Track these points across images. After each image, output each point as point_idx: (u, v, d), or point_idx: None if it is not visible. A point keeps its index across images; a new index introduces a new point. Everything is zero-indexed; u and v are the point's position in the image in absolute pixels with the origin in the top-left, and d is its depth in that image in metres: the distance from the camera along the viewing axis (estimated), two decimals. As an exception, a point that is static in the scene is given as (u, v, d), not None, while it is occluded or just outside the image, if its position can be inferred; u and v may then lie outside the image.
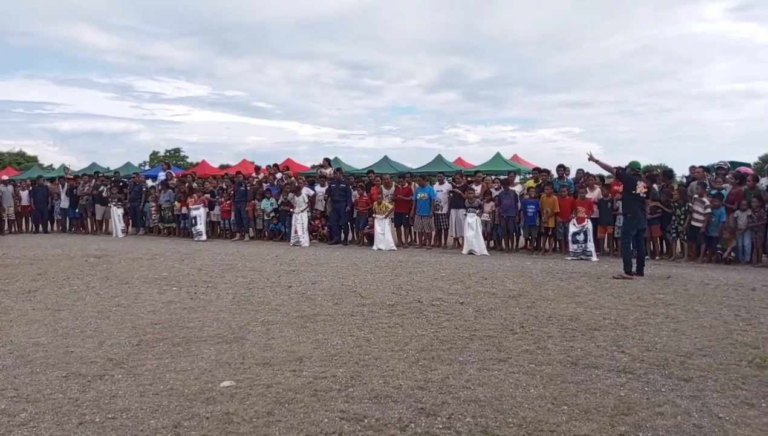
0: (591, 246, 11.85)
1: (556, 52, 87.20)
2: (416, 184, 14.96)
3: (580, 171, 14.13)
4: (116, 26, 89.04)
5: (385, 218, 13.67)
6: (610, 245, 12.75)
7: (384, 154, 31.28)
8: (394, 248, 13.76)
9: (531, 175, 15.64)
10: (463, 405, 3.98)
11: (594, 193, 12.69)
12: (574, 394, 4.19)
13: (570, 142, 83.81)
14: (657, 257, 11.99)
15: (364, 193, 14.88)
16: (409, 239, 14.87)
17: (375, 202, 13.69)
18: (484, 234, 13.55)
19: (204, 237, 16.04)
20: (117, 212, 17.56)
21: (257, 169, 20.57)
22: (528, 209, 12.87)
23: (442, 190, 14.37)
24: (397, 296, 7.92)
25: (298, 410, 3.94)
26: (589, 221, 12.00)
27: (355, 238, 15.39)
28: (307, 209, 15.09)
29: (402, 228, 14.91)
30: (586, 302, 7.48)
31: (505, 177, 14.73)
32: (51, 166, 48.61)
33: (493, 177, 16.28)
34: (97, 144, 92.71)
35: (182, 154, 62.85)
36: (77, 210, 18.69)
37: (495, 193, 13.68)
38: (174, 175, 19.08)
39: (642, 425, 3.65)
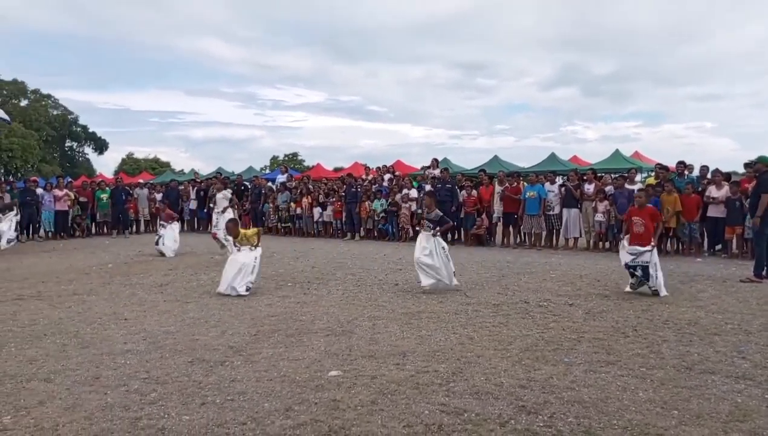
0: (653, 283, 7.67)
1: (683, 42, 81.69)
2: (525, 183, 14.69)
3: (704, 168, 13.24)
4: (241, 38, 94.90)
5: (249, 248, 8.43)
6: (739, 247, 11.81)
7: (496, 153, 30.88)
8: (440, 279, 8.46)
9: (653, 173, 14.84)
10: (566, 405, 3.92)
11: (721, 192, 11.82)
12: (686, 399, 3.99)
13: (700, 137, 78.08)
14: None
15: (473, 193, 14.82)
16: (518, 240, 14.62)
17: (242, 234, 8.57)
18: (598, 234, 13.04)
19: (171, 254, 13.00)
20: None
21: (367, 170, 21.08)
22: (646, 208, 12.19)
23: (553, 189, 14.00)
24: (502, 296, 7.87)
25: (400, 400, 4.08)
26: (651, 249, 7.74)
27: (462, 238, 15.35)
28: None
29: (510, 228, 14.69)
30: (708, 306, 7.02)
31: (616, 176, 14.09)
32: (182, 170, 52.58)
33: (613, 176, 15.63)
34: (224, 150, 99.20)
35: (299, 158, 65.61)
36: (205, 211, 20.13)
37: (610, 191, 13.13)
38: (293, 177, 20.11)
39: (758, 433, 3.43)
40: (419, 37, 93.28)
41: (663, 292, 7.65)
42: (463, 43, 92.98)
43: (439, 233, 8.51)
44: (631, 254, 7.80)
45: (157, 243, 13.37)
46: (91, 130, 63.17)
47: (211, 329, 6.26)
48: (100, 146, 64.36)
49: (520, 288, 8.46)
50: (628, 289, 7.99)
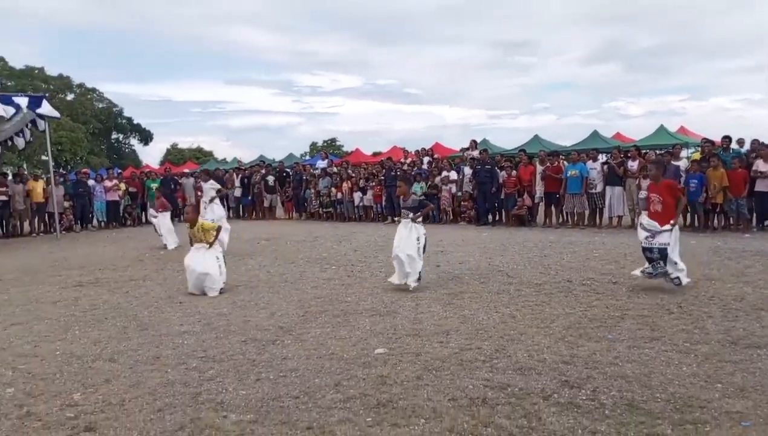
0: (674, 267, 6.62)
1: (729, 13, 78.34)
2: (565, 162, 14.54)
3: (755, 141, 12.86)
4: (276, 26, 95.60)
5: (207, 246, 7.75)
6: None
7: (537, 133, 30.44)
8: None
9: (699, 148, 14.48)
10: (609, 380, 4.00)
11: (770, 165, 11.49)
12: (730, 373, 4.01)
13: (749, 110, 75.08)
14: None
15: (513, 174, 14.76)
16: (560, 220, 14.51)
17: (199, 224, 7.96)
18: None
19: (172, 245, 12.50)
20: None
21: (406, 154, 21.14)
22: (691, 184, 11.95)
23: (595, 167, 13.82)
24: (545, 276, 7.90)
25: (445, 376, 4.22)
26: (671, 229, 6.65)
27: (503, 219, 15.33)
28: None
29: (552, 208, 14.59)
30: (756, 282, 6.92)
31: (661, 152, 13.80)
32: (224, 159, 53.53)
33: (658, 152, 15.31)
34: (264, 137, 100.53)
35: (338, 143, 65.95)
36: (249, 197, 20.60)
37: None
38: (333, 162, 20.37)
39: (805, 407, 3.44)
40: (455, 17, 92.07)
41: (685, 280, 6.62)
42: (500, 21, 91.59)
43: (419, 220, 7.39)
44: (647, 230, 6.67)
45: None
46: (136, 122, 64.76)
47: (261, 310, 6.52)
48: (145, 137, 65.98)
49: (563, 267, 8.47)
50: (637, 272, 6.84)
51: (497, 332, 5.31)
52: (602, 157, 15.20)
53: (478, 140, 20.94)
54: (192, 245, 7.91)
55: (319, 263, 9.67)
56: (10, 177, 18.23)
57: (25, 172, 20.35)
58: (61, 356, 5.11)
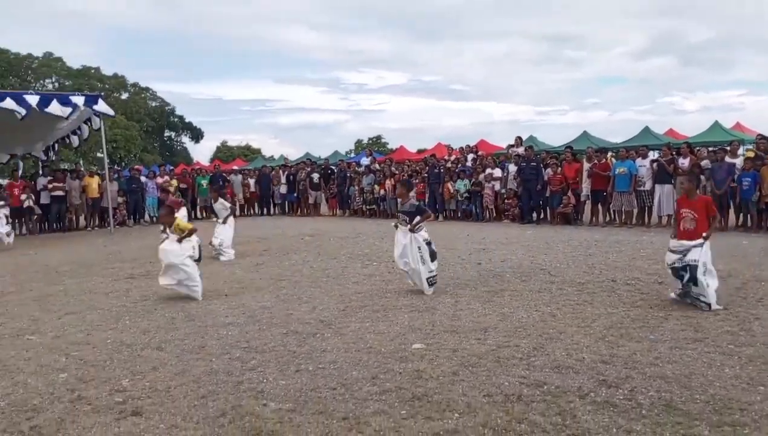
0: (701, 289, 5.77)
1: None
2: (613, 159, 14.24)
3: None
4: (324, 24, 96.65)
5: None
6: None
7: (586, 129, 29.86)
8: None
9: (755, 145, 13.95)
10: (648, 380, 3.94)
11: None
12: (775, 376, 3.90)
13: (812, 105, 71.64)
14: None
15: (558, 171, 14.54)
16: (607, 218, 14.22)
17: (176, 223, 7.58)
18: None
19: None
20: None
21: (450, 151, 21.09)
22: (744, 183, 11.53)
23: (644, 164, 13.48)
24: (588, 275, 7.79)
25: (481, 372, 4.23)
26: (701, 244, 5.88)
27: (548, 217, 15.12)
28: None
29: (599, 206, 14.31)
30: (811, 284, 6.66)
31: (714, 149, 13.35)
32: (272, 156, 54.45)
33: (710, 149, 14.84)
34: (311, 135, 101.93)
35: (383, 140, 66.17)
36: (295, 194, 20.93)
37: (706, 166, 12.50)
38: (376, 160, 20.50)
39: None
40: (502, 12, 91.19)
41: (715, 304, 5.73)
42: (548, 15, 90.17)
43: (418, 227, 6.93)
44: (676, 252, 5.97)
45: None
46: (187, 120, 66.69)
47: (303, 304, 6.66)
48: (196, 135, 67.80)
49: (608, 267, 8.32)
50: (672, 295, 6.17)
51: (536, 330, 5.29)
52: (653, 155, 14.81)
53: (525, 137, 20.77)
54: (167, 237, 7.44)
55: (361, 259, 9.78)
56: (68, 173, 19.01)
57: (82, 169, 21.20)
58: (111, 344, 5.35)
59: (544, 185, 14.70)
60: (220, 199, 11.55)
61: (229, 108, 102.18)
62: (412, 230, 6.88)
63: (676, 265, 5.95)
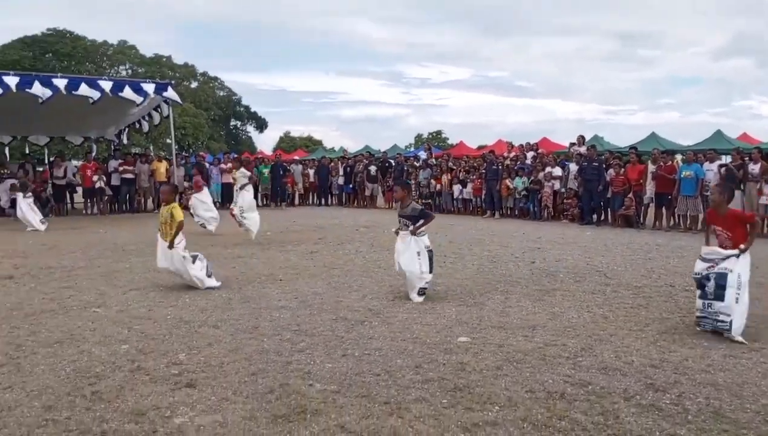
0: (726, 306, 4.88)
1: None
2: (679, 162, 13.74)
3: None
4: (389, 18, 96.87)
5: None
6: None
7: (657, 130, 28.76)
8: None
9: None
10: (698, 387, 3.84)
11: None
12: (835, 391, 3.73)
13: None
14: None
15: (621, 172, 14.15)
16: (672, 222, 13.74)
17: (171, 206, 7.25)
18: (763, 219, 11.90)
19: (211, 227, 12.60)
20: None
21: (509, 148, 20.81)
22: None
23: (712, 168, 12.96)
24: (646, 279, 7.59)
25: (525, 369, 4.23)
26: (739, 254, 5.04)
27: (609, 219, 14.75)
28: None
29: (663, 210, 13.84)
30: None
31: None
32: (333, 148, 55.19)
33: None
34: (371, 128, 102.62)
35: (443, 136, 65.88)
36: (351, 186, 21.18)
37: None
38: (434, 154, 20.49)
39: None
40: (573, 7, 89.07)
41: (737, 335, 4.81)
42: (621, 11, 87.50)
43: (420, 232, 6.48)
44: (707, 259, 5.17)
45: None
46: (252, 110, 68.32)
47: (353, 292, 6.79)
48: (261, 125, 69.38)
49: (667, 272, 8.08)
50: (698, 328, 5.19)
51: (586, 331, 5.22)
52: (723, 159, 14.21)
53: (590, 136, 20.23)
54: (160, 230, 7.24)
55: (414, 252, 9.82)
56: (138, 157, 19.87)
57: (151, 154, 22.13)
58: (171, 320, 5.62)
59: (605, 186, 14.34)
60: (242, 168, 11.86)
61: (293, 99, 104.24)
62: (413, 234, 6.41)
63: (702, 273, 5.13)
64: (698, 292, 5.18)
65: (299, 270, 8.24)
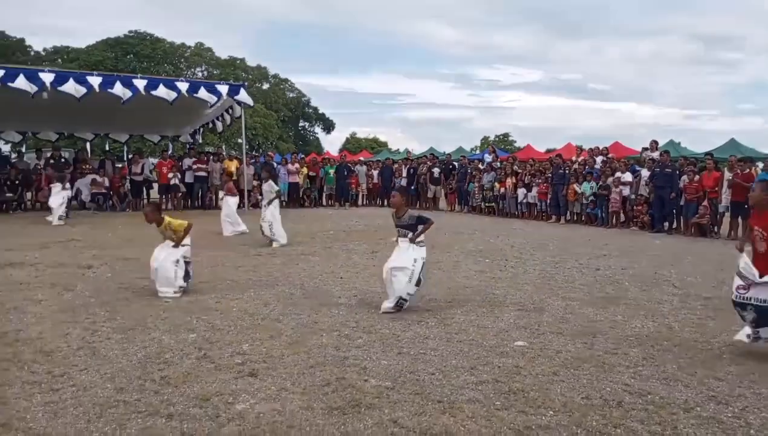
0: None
1: None
2: (759, 170, 13.05)
3: None
4: (460, 19, 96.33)
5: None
6: None
7: (737, 136, 27.37)
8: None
9: None
10: (762, 400, 3.70)
11: None
12: None
13: None
14: None
15: (695, 179, 13.58)
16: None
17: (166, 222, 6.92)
18: None
19: (227, 232, 12.29)
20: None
21: (578, 152, 20.37)
22: None
23: (795, 177, 12.24)
24: (717, 290, 7.28)
25: (582, 376, 4.18)
26: None
27: (681, 227, 14.17)
28: None
29: (740, 219, 13.17)
30: None
31: None
32: (397, 150, 55.47)
33: None
34: (437, 130, 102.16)
35: (510, 138, 64.91)
36: (414, 188, 21.24)
37: None
38: (499, 157, 20.30)
39: None
40: (652, 8, 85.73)
41: None
42: (703, 12, 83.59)
43: (420, 242, 6.13)
44: (743, 276, 4.59)
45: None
46: (321, 112, 69.49)
47: (411, 293, 6.85)
48: (328, 126, 70.48)
49: (740, 284, 7.72)
50: (742, 338, 4.70)
51: (649, 340, 5.09)
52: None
53: (666, 141, 19.50)
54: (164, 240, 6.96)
55: (474, 255, 9.81)
56: (211, 156, 20.67)
57: (223, 153, 22.95)
58: (236, 312, 5.87)
59: (678, 193, 13.79)
60: (270, 181, 11.48)
61: (361, 101, 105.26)
62: (413, 241, 6.05)
63: (737, 299, 4.60)
64: (740, 313, 4.68)
65: (360, 269, 8.39)
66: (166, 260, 6.63)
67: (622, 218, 15.31)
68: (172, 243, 6.81)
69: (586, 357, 4.59)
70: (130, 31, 55.77)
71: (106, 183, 18.35)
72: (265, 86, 63.15)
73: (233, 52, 72.93)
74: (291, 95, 66.29)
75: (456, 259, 9.42)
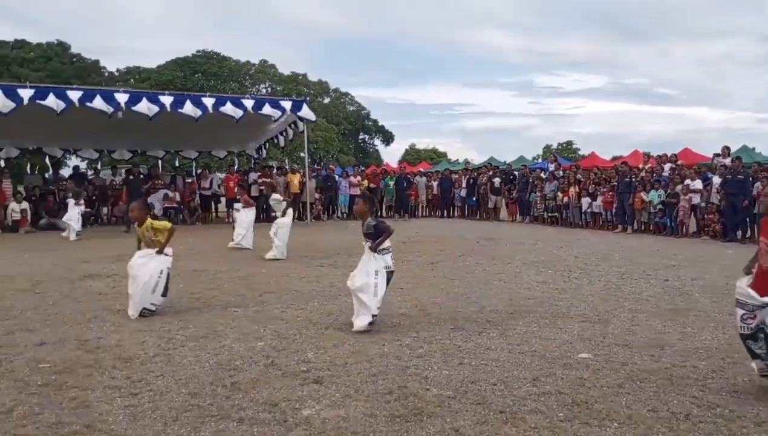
0: None
1: None
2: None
3: None
4: (520, 26, 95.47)
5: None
6: None
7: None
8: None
9: None
10: None
11: None
12: None
13: None
14: None
15: (771, 186, 12.96)
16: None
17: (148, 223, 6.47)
18: None
19: (246, 244, 12.12)
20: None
21: (646, 159, 19.80)
22: None
23: None
24: (796, 302, 6.95)
25: (649, 388, 4.10)
26: None
27: (755, 236, 13.52)
28: None
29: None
30: None
31: None
32: (457, 160, 55.27)
33: None
34: (497, 139, 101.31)
35: (574, 146, 63.52)
36: (474, 198, 21.17)
37: None
38: (561, 166, 19.96)
39: None
40: (722, 8, 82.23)
41: None
42: (777, 11, 79.26)
43: (383, 250, 5.86)
44: (742, 304, 3.97)
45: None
46: (380, 124, 70.22)
47: (472, 303, 6.87)
48: (387, 138, 71.09)
49: (822, 295, 7.33)
50: (754, 366, 4.10)
51: (719, 353, 4.93)
52: None
53: (739, 146, 18.68)
54: (139, 248, 6.59)
55: (536, 266, 9.70)
56: (274, 170, 21.28)
57: (286, 166, 23.55)
58: (301, 321, 6.06)
59: (752, 201, 13.19)
60: (274, 194, 11.44)
61: (420, 112, 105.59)
62: (373, 250, 5.77)
63: (744, 330, 3.97)
64: (749, 353, 4.05)
65: (420, 280, 8.46)
66: (150, 267, 6.27)
67: (693, 226, 14.76)
68: (153, 251, 6.41)
69: (653, 369, 4.50)
70: (198, 51, 58.16)
71: (177, 197, 19.15)
72: (326, 100, 64.38)
73: (295, 67, 75.00)
74: (351, 109, 67.31)
75: (517, 270, 9.36)
